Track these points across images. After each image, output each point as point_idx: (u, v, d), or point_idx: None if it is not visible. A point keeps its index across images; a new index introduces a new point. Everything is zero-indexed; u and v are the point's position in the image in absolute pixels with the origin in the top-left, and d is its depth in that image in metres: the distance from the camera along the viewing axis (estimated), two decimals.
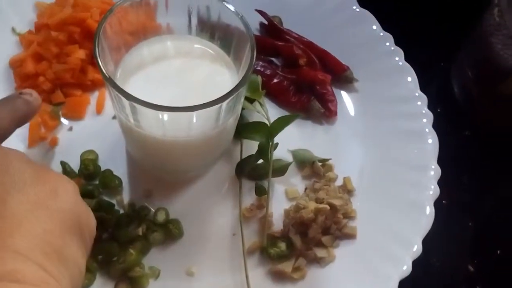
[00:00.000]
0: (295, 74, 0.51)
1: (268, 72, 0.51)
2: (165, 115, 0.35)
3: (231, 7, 0.39)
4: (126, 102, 0.34)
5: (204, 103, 0.34)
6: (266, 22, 0.54)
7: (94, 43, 0.35)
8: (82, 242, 0.29)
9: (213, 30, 0.42)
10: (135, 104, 0.34)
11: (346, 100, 0.51)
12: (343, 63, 0.52)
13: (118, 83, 0.38)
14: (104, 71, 0.34)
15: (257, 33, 0.54)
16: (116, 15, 0.38)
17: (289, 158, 0.47)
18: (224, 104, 0.35)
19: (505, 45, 0.46)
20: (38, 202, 0.27)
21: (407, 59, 0.51)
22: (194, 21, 0.42)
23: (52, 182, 0.29)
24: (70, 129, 0.47)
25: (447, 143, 0.48)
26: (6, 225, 0.25)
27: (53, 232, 0.27)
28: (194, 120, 0.36)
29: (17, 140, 0.45)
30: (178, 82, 0.40)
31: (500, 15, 0.47)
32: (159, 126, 0.37)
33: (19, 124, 0.36)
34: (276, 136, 0.45)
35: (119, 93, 0.34)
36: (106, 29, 0.37)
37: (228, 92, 0.35)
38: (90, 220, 0.31)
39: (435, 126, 0.48)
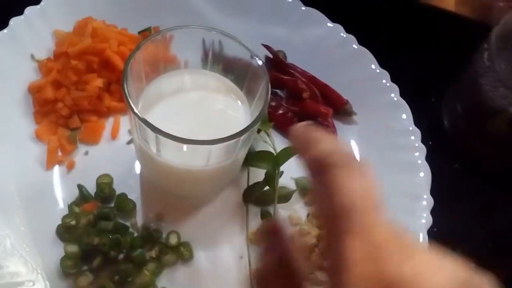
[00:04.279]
0: (298, 106, 0.54)
1: (273, 103, 0.54)
2: (185, 146, 0.38)
3: (245, 45, 0.42)
4: (151, 133, 0.37)
5: (224, 137, 0.37)
6: (271, 56, 0.57)
7: (122, 80, 0.38)
8: None
9: (226, 65, 0.45)
10: (159, 136, 0.37)
11: (345, 132, 0.55)
12: (343, 97, 0.55)
13: (140, 113, 0.41)
14: (134, 108, 0.37)
15: None
16: (141, 51, 0.41)
17: (292, 185, 0.50)
18: (242, 138, 0.38)
19: (493, 87, 0.50)
20: None
21: (402, 94, 0.55)
22: (209, 56, 0.45)
23: None
24: (86, 153, 0.49)
25: (439, 175, 0.52)
26: None
27: None
28: (212, 152, 0.39)
29: (35, 163, 0.47)
30: (194, 114, 0.43)
31: (489, 59, 0.51)
32: (177, 156, 0.39)
33: None
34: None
35: (145, 125, 0.36)
36: (131, 65, 0.40)
37: (247, 127, 0.38)
38: None
39: (427, 157, 0.52)
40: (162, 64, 0.45)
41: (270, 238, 0.27)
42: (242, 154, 0.43)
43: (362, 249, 0.21)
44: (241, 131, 0.37)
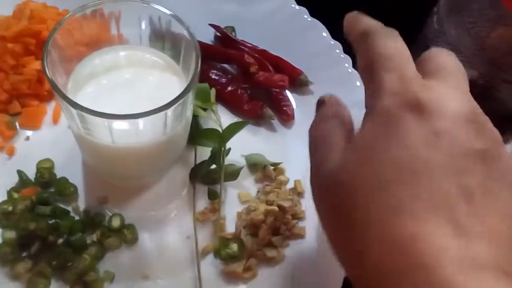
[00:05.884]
0: (249, 82, 0.53)
1: (222, 80, 0.52)
2: (113, 123, 0.36)
3: (178, 19, 0.41)
4: (74, 111, 0.36)
5: (149, 111, 0.35)
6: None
7: (42, 55, 0.36)
8: None
9: (163, 40, 0.43)
10: (82, 113, 0.35)
11: (298, 105, 0.53)
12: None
13: (70, 93, 0.39)
14: (52, 80, 0.36)
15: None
16: (66, 27, 0.39)
17: (243, 162, 0.49)
18: (170, 111, 0.36)
19: None
20: None
21: (355, 66, 0.53)
22: (146, 31, 0.43)
23: None
24: (27, 138, 0.48)
25: None
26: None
27: None
28: (141, 127, 0.37)
29: None
30: (129, 91, 0.41)
31: (439, 23, 0.49)
32: (108, 134, 0.38)
33: None
34: (231, 142, 0.47)
35: (67, 102, 0.35)
36: (56, 41, 0.38)
37: (173, 100, 0.36)
38: None
39: None
40: (96, 41, 0.43)
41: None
42: (180, 130, 0.42)
43: (396, 78, 0.26)
44: (166, 104, 0.36)
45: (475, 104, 0.26)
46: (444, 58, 0.29)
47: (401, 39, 0.29)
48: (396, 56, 0.28)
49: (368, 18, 0.32)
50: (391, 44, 0.29)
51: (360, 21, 0.32)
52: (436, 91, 0.26)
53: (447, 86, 0.26)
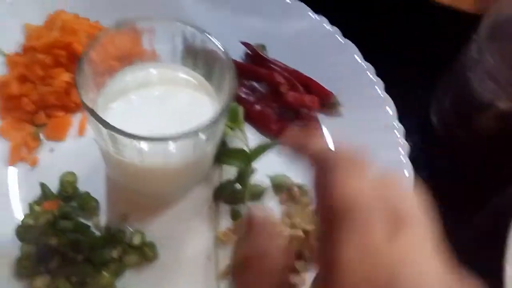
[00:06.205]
0: (278, 101, 0.52)
1: (251, 98, 0.52)
2: (143, 144, 0.36)
3: (213, 39, 0.40)
4: (104, 130, 0.35)
5: (182, 134, 0.34)
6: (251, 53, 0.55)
7: (76, 72, 0.36)
8: None
9: (196, 59, 0.43)
10: (113, 133, 0.34)
11: (327, 127, 0.52)
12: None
13: (99, 109, 0.39)
14: (85, 101, 0.35)
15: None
16: (101, 42, 0.39)
17: (267, 183, 0.48)
18: (203, 133, 0.36)
19: (481, 80, 0.48)
20: None
21: (389, 88, 0.52)
22: (178, 49, 0.43)
23: None
24: (51, 150, 0.47)
25: (423, 173, 0.49)
26: None
27: None
28: (172, 149, 0.37)
29: None
30: (159, 110, 0.41)
31: (478, 51, 0.48)
32: (137, 153, 0.37)
33: None
34: (257, 162, 0.46)
35: (98, 121, 0.34)
36: (91, 56, 0.38)
37: (208, 123, 0.35)
38: None
39: (412, 155, 0.49)
40: (130, 57, 0.42)
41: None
42: (209, 150, 0.41)
43: (357, 250, 0.21)
44: (200, 127, 0.35)
45: (449, 270, 0.22)
46: (410, 201, 0.24)
47: (373, 170, 0.24)
48: (360, 211, 0.22)
49: (323, 141, 0.27)
50: (355, 187, 0.23)
51: (315, 143, 0.27)
52: (409, 266, 0.21)
53: (419, 253, 0.22)
